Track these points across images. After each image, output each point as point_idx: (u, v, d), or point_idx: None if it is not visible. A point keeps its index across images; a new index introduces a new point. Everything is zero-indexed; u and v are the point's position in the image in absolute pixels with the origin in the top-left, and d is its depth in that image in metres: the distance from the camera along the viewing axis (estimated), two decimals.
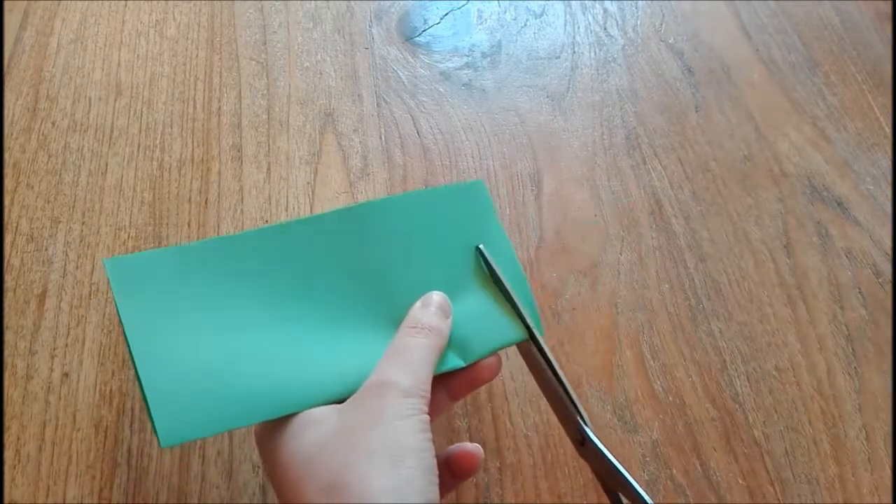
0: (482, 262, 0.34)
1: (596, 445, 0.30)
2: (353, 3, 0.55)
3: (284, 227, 0.33)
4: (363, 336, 0.31)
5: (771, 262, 0.44)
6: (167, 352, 0.28)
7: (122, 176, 0.46)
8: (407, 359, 0.28)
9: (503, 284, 0.33)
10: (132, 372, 0.39)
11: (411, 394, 0.27)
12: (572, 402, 0.32)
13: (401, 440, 0.25)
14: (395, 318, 0.32)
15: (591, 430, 0.31)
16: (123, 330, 0.28)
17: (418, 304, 0.31)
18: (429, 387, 0.28)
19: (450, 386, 0.32)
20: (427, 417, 0.27)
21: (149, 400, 0.27)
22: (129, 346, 0.28)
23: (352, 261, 0.33)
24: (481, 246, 0.34)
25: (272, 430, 0.28)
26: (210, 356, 0.28)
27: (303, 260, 0.32)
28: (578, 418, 0.31)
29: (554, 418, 0.38)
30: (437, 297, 0.32)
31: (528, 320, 0.33)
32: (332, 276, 0.32)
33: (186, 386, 0.28)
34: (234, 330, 0.30)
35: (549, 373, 0.32)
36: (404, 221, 0.35)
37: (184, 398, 0.27)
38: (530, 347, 0.33)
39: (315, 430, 0.27)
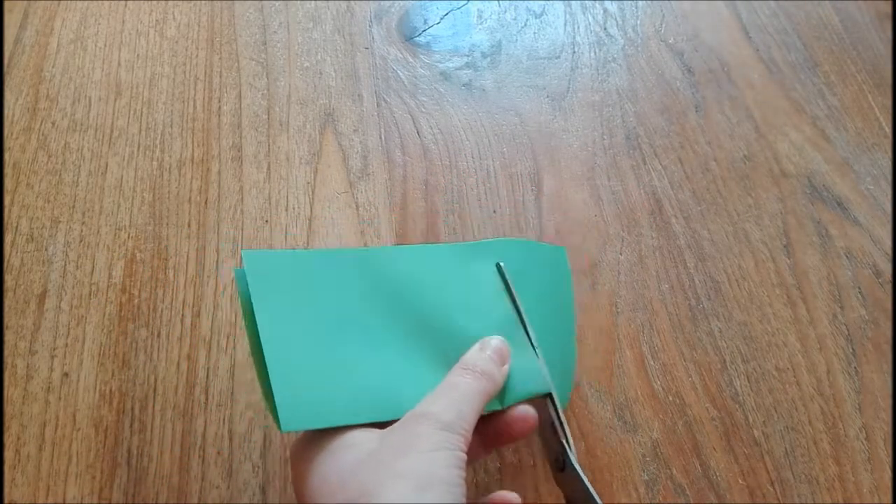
0: (503, 285, 0.35)
1: (578, 474, 0.30)
2: (353, 3, 0.55)
3: (392, 251, 0.35)
4: (443, 361, 0.32)
5: (771, 262, 0.44)
6: (292, 342, 0.29)
7: (122, 176, 0.46)
8: (452, 396, 0.28)
9: (517, 305, 0.34)
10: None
11: (450, 429, 0.27)
12: (561, 425, 0.32)
13: (431, 470, 0.25)
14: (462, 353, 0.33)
15: (575, 457, 0.31)
16: (250, 319, 0.30)
17: (476, 346, 0.31)
18: (471, 428, 0.27)
19: (483, 435, 0.31)
20: (464, 455, 0.26)
21: (273, 383, 0.28)
22: (249, 331, 0.30)
23: (441, 292, 0.34)
24: (501, 264, 0.34)
25: (309, 449, 0.28)
26: (327, 354, 0.30)
27: (407, 282, 0.34)
28: (564, 442, 0.31)
29: None
30: (495, 341, 0.32)
31: (534, 342, 0.33)
32: (425, 301, 0.33)
33: (306, 376, 0.29)
34: (347, 334, 0.31)
35: (553, 416, 0.32)
36: (488, 265, 0.36)
37: (304, 388, 0.29)
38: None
39: (351, 452, 0.27)
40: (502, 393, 0.31)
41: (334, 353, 0.30)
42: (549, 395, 0.33)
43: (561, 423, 0.32)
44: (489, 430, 0.31)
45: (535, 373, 0.33)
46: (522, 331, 0.34)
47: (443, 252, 0.36)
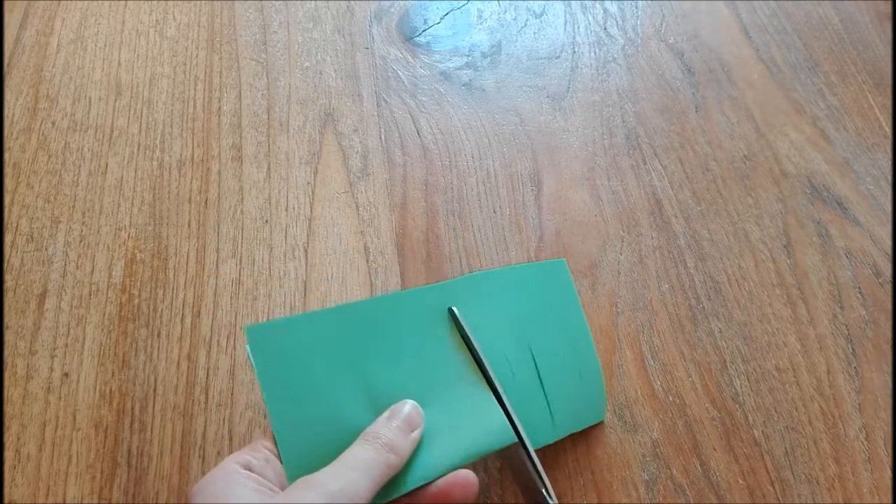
0: (456, 328, 0.34)
1: None
2: (353, 3, 0.55)
3: (382, 300, 0.35)
4: (455, 413, 0.32)
5: (771, 262, 0.44)
6: (297, 415, 0.30)
7: (122, 176, 0.46)
8: (347, 465, 0.28)
9: (474, 348, 0.33)
10: (128, 374, 0.39)
11: (336, 498, 0.26)
12: (540, 476, 0.31)
13: None
14: (477, 391, 0.33)
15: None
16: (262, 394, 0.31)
17: (386, 413, 0.30)
18: (364, 499, 0.27)
19: (416, 500, 0.30)
20: None
21: (284, 463, 0.29)
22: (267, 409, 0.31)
23: (437, 337, 0.34)
24: (454, 308, 0.34)
25: (203, 496, 0.27)
26: (329, 423, 0.30)
27: (384, 335, 0.33)
28: (545, 493, 0.30)
29: None
30: (407, 407, 0.31)
31: (505, 400, 0.32)
32: (396, 354, 0.33)
33: (313, 450, 0.29)
34: (344, 398, 0.31)
35: (527, 463, 0.31)
36: (489, 299, 0.35)
37: (312, 461, 0.29)
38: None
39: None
40: (446, 457, 0.31)
41: (336, 421, 0.30)
42: (521, 444, 0.32)
43: (539, 474, 0.31)
44: (423, 497, 0.30)
45: (495, 425, 0.32)
46: (482, 380, 0.33)
47: (421, 296, 0.35)
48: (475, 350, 0.33)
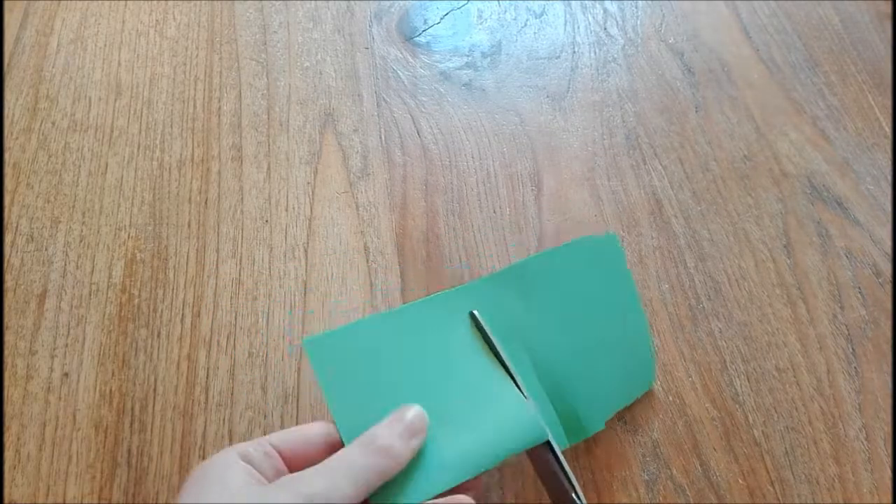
0: (477, 330, 0.34)
1: None
2: (353, 3, 0.55)
3: (428, 302, 0.34)
4: (510, 403, 0.32)
5: (771, 262, 0.44)
6: (365, 424, 0.30)
7: (122, 176, 0.46)
8: (331, 466, 0.27)
9: (499, 354, 0.33)
10: (129, 375, 0.39)
11: (312, 500, 0.25)
12: (567, 478, 0.31)
13: None
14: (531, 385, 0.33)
15: None
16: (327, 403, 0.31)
17: (388, 418, 0.30)
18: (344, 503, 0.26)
19: None
20: None
21: None
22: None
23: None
24: (475, 312, 0.34)
25: (196, 482, 0.27)
26: None
27: (453, 331, 0.33)
28: (574, 495, 0.30)
29: None
30: (410, 413, 0.30)
31: (522, 387, 0.32)
32: (465, 350, 0.33)
33: None
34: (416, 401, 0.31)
35: (553, 462, 0.31)
36: (542, 282, 0.36)
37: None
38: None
39: (220, 489, 0.26)
40: (476, 459, 0.30)
41: None
42: (548, 443, 0.32)
43: (567, 475, 0.30)
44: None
45: (526, 423, 0.32)
46: (509, 377, 0.33)
47: (467, 294, 0.35)
48: (500, 354, 0.33)
